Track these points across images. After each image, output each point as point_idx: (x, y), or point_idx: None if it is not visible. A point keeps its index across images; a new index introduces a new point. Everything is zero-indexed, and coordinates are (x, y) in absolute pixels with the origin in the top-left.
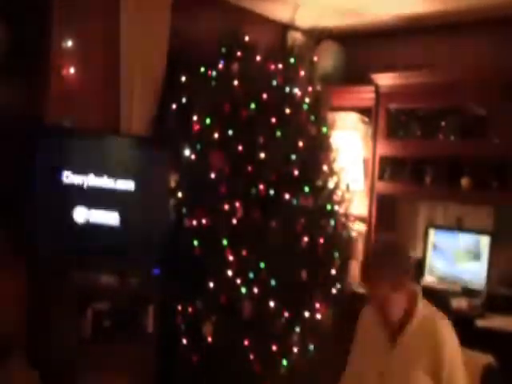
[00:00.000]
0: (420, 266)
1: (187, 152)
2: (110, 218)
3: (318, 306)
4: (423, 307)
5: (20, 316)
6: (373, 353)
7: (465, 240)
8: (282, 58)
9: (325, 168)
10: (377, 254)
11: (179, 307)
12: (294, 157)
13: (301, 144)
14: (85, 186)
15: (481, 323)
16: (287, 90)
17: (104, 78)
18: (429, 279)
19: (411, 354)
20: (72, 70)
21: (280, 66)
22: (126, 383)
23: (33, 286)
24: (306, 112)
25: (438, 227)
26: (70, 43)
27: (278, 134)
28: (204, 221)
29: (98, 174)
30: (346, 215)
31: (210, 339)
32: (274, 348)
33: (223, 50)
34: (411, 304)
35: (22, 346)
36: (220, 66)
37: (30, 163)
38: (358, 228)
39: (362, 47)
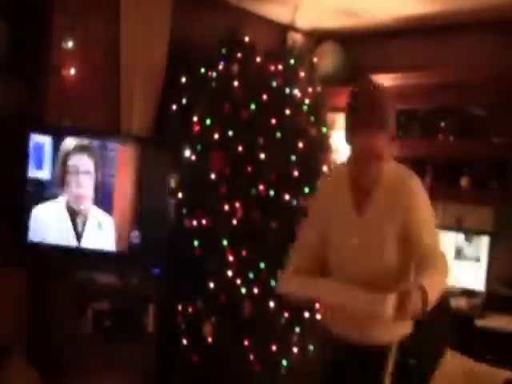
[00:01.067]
0: None
1: (187, 152)
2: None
3: (317, 306)
4: (390, 166)
5: (20, 316)
6: (339, 223)
7: (464, 240)
8: (281, 58)
9: (325, 169)
10: (374, 98)
11: (179, 307)
12: (293, 157)
13: (301, 145)
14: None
15: (480, 323)
16: (287, 90)
17: (104, 78)
18: None
19: (381, 219)
20: (72, 71)
21: (280, 66)
22: (126, 383)
23: (33, 285)
24: (305, 113)
25: (437, 227)
26: (70, 43)
27: (278, 134)
28: (204, 221)
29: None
30: None
31: (210, 339)
32: (274, 348)
33: (223, 50)
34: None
35: (22, 345)
36: (220, 66)
37: (29, 163)
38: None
39: (362, 48)
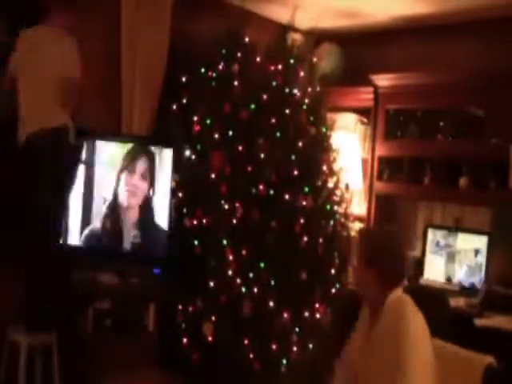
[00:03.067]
0: (419, 266)
1: (188, 152)
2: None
3: (317, 305)
4: (394, 296)
5: (20, 315)
6: (359, 343)
7: (463, 240)
8: (281, 58)
9: (324, 168)
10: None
11: (180, 306)
12: (293, 157)
13: (300, 144)
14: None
15: (479, 322)
16: (287, 90)
17: (105, 78)
18: (427, 279)
19: (379, 346)
20: None
21: (280, 66)
22: (126, 381)
23: (33, 285)
24: (305, 112)
25: (436, 227)
26: None
27: (278, 134)
28: (204, 220)
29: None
30: (346, 215)
31: (210, 338)
32: (274, 347)
33: (223, 50)
34: (381, 295)
35: None
36: (220, 66)
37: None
38: (357, 228)
39: (361, 48)
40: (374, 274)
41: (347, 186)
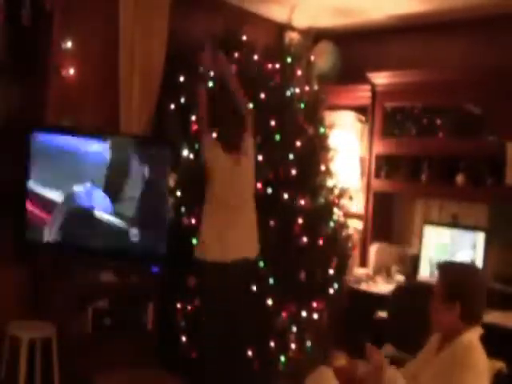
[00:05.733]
0: (416, 262)
1: (186, 151)
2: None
3: (315, 304)
4: (469, 337)
5: (20, 315)
6: (420, 357)
7: (460, 236)
8: (279, 57)
9: (322, 167)
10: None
11: (178, 305)
12: (291, 156)
13: (298, 143)
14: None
15: None
16: (285, 89)
17: (103, 78)
18: (424, 275)
19: (439, 371)
20: (72, 71)
21: (277, 65)
22: (126, 380)
23: (33, 285)
24: (303, 111)
25: (433, 224)
26: (69, 44)
27: (276, 133)
28: None
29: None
30: (344, 214)
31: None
32: (272, 345)
33: (221, 50)
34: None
35: None
36: None
37: (29, 163)
38: (354, 226)
39: (358, 46)
40: (453, 310)
41: (345, 185)
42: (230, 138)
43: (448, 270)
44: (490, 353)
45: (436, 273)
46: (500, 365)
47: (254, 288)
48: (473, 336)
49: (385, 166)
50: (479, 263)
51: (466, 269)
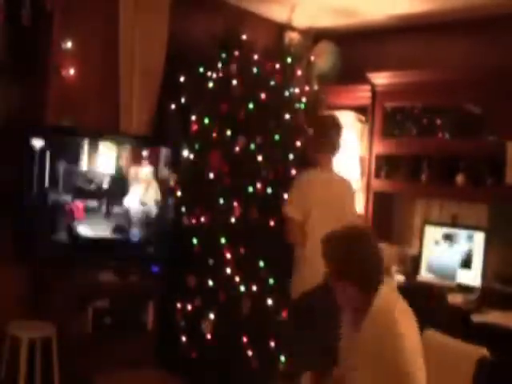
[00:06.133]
0: (416, 263)
1: (186, 151)
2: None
3: None
4: (382, 300)
5: (20, 315)
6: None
7: (460, 236)
8: (279, 57)
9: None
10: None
11: (179, 305)
12: (291, 156)
13: (298, 143)
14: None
15: (476, 318)
16: (284, 89)
17: (103, 78)
18: (425, 275)
19: (361, 349)
20: (72, 71)
21: (277, 65)
22: (126, 380)
23: (33, 285)
24: (303, 111)
25: (433, 224)
26: (69, 44)
27: (276, 133)
28: (203, 219)
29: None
30: None
31: (209, 336)
32: (272, 344)
33: (221, 50)
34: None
35: None
36: (218, 66)
37: (29, 163)
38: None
39: (358, 46)
40: (348, 287)
41: None
42: None
43: (331, 246)
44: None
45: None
46: (484, 352)
47: (254, 288)
48: (385, 296)
49: (385, 165)
50: (479, 263)
51: (349, 240)
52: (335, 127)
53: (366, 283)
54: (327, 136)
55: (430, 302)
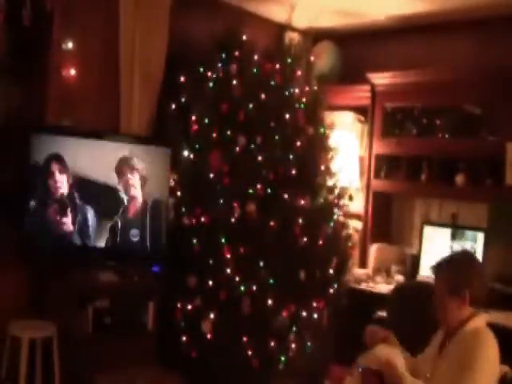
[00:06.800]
0: (416, 262)
1: (186, 151)
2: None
3: (315, 304)
4: (476, 323)
5: (21, 315)
6: (429, 355)
7: (460, 236)
8: (279, 58)
9: (322, 167)
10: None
11: (179, 304)
12: (291, 156)
13: (298, 144)
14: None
15: None
16: (285, 89)
17: (104, 78)
18: (424, 275)
19: (449, 364)
20: (72, 71)
21: (277, 66)
22: (126, 379)
23: (33, 285)
24: (303, 112)
25: (433, 224)
26: (70, 44)
27: (276, 133)
28: (203, 219)
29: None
30: (344, 214)
31: (209, 336)
32: (272, 344)
33: (221, 50)
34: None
35: None
36: (218, 66)
37: (30, 163)
38: (354, 225)
39: (358, 47)
40: (457, 302)
41: (345, 185)
42: None
43: (446, 263)
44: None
45: (433, 272)
46: (506, 369)
47: (254, 288)
48: (478, 323)
49: (384, 166)
50: None
51: (465, 259)
52: None
53: (477, 295)
54: None
55: (430, 302)
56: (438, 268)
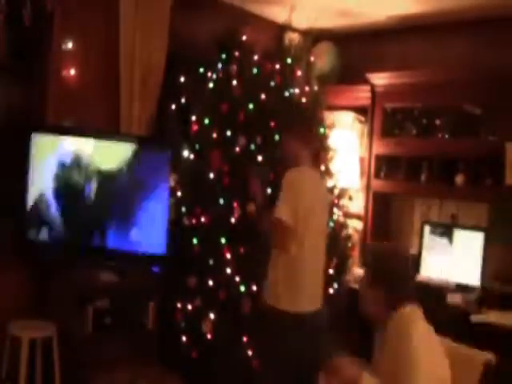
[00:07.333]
0: (416, 262)
1: (186, 152)
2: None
3: None
4: (398, 315)
5: (21, 315)
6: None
7: (459, 236)
8: (279, 58)
9: (322, 167)
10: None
11: (179, 304)
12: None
13: None
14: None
15: (476, 318)
16: (284, 90)
17: (104, 78)
18: (424, 275)
19: (382, 354)
20: (72, 71)
21: (277, 66)
22: (126, 379)
23: (33, 285)
24: (303, 112)
25: (433, 224)
26: (70, 45)
27: (276, 133)
28: (203, 219)
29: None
30: (344, 214)
31: (209, 336)
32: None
33: (221, 50)
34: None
35: None
36: (218, 66)
37: (30, 163)
38: (354, 226)
39: (358, 47)
40: (378, 295)
41: (345, 185)
42: None
43: (371, 253)
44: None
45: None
46: (488, 356)
47: (254, 288)
48: (401, 312)
49: (384, 166)
50: (479, 263)
51: (389, 252)
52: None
53: (393, 297)
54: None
55: (430, 302)
56: (366, 254)
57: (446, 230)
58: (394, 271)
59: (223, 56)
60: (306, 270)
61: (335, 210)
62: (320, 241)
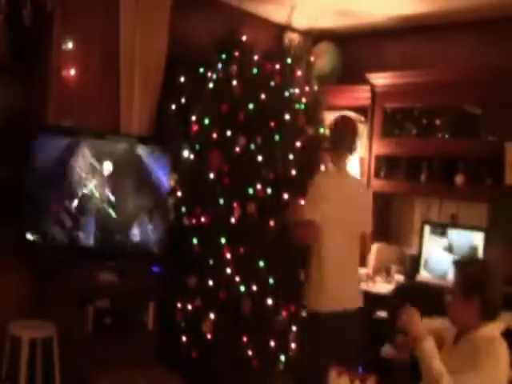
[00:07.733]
0: (416, 262)
1: (186, 152)
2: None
3: None
4: (489, 330)
5: (21, 315)
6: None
7: (459, 236)
8: (279, 58)
9: (322, 168)
10: None
11: (179, 304)
12: (291, 156)
13: (298, 143)
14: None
15: None
16: (284, 90)
17: (104, 78)
18: (424, 275)
19: (458, 362)
20: (72, 72)
21: (277, 66)
22: (126, 379)
23: (33, 285)
24: (303, 112)
25: (433, 224)
26: (70, 44)
27: (276, 134)
28: (203, 219)
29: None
30: None
31: (209, 336)
32: (273, 344)
33: (221, 50)
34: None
35: None
36: (218, 66)
37: (30, 163)
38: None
39: (358, 47)
40: (472, 305)
41: None
42: None
43: (466, 265)
44: None
45: (453, 269)
46: None
47: (254, 288)
48: (492, 330)
49: (384, 166)
50: None
51: (484, 264)
52: (350, 126)
53: (488, 306)
54: (343, 136)
55: (430, 302)
56: (459, 266)
57: (445, 230)
58: (491, 282)
59: (223, 56)
60: (331, 270)
61: None
62: (350, 241)
